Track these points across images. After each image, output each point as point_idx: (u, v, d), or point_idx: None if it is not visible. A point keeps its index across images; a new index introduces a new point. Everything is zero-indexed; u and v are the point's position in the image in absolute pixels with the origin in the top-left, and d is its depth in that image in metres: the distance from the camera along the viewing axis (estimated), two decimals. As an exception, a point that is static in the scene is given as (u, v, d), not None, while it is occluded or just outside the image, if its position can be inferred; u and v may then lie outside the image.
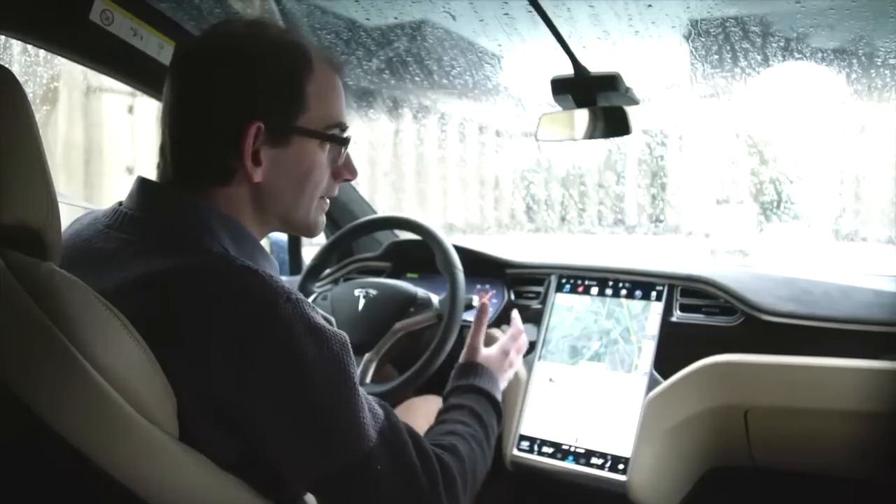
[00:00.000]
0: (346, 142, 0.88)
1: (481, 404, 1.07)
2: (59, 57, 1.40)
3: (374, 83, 2.10)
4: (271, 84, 0.81)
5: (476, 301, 1.50)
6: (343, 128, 0.88)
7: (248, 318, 0.71)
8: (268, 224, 0.88)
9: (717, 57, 1.59)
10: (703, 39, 1.50)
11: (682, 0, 1.34)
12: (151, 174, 0.86)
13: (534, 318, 1.56)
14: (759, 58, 1.57)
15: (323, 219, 0.92)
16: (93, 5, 1.20)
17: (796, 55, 1.55)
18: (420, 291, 1.40)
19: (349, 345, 0.78)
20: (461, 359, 1.19)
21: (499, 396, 1.13)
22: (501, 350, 1.22)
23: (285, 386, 0.72)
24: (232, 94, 0.81)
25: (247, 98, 0.81)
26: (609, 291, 1.51)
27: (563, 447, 1.40)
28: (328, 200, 0.92)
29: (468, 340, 1.21)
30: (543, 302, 1.57)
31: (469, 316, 1.57)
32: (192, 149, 0.83)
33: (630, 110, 1.16)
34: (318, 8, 1.58)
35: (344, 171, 0.91)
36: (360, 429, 0.76)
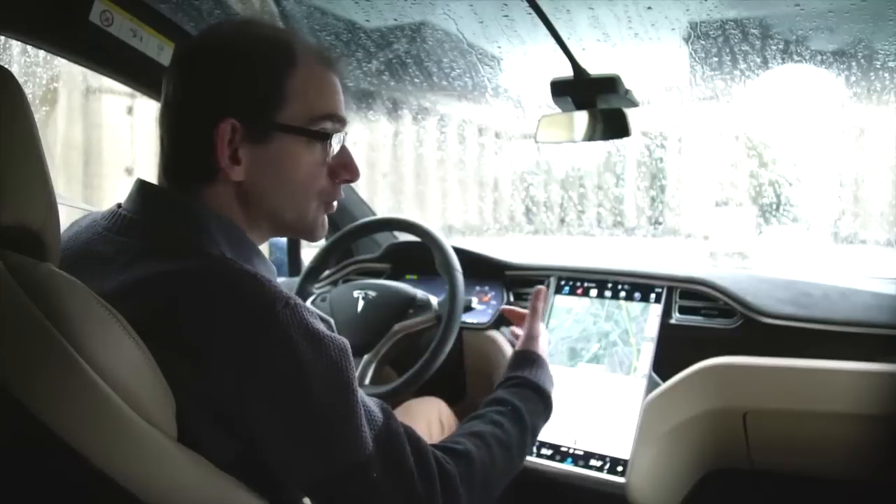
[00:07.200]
0: (326, 137, 0.84)
1: (531, 402, 1.02)
2: (58, 58, 1.40)
3: (374, 85, 2.09)
4: (246, 80, 0.80)
5: (475, 302, 1.50)
6: (336, 120, 0.84)
7: (245, 322, 0.71)
8: (259, 226, 0.86)
9: (716, 59, 1.59)
10: (702, 42, 1.50)
11: (682, 2, 1.34)
12: (151, 175, 0.86)
13: (533, 319, 1.56)
14: (758, 60, 1.58)
15: (323, 221, 0.89)
16: (92, 6, 1.20)
17: (795, 58, 1.55)
18: (419, 293, 1.40)
19: (349, 350, 0.77)
20: (518, 346, 1.15)
21: (552, 391, 1.08)
22: (544, 336, 1.18)
23: (282, 392, 0.72)
24: (205, 92, 0.80)
25: (219, 95, 0.80)
26: (608, 293, 1.51)
27: (562, 449, 1.39)
28: (334, 204, 0.89)
29: (527, 327, 1.17)
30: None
31: (468, 317, 1.57)
32: (176, 148, 0.83)
33: (629, 112, 1.16)
34: (317, 9, 1.58)
35: (341, 170, 0.87)
36: (356, 436, 0.75)
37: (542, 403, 1.05)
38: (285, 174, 0.83)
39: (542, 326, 1.20)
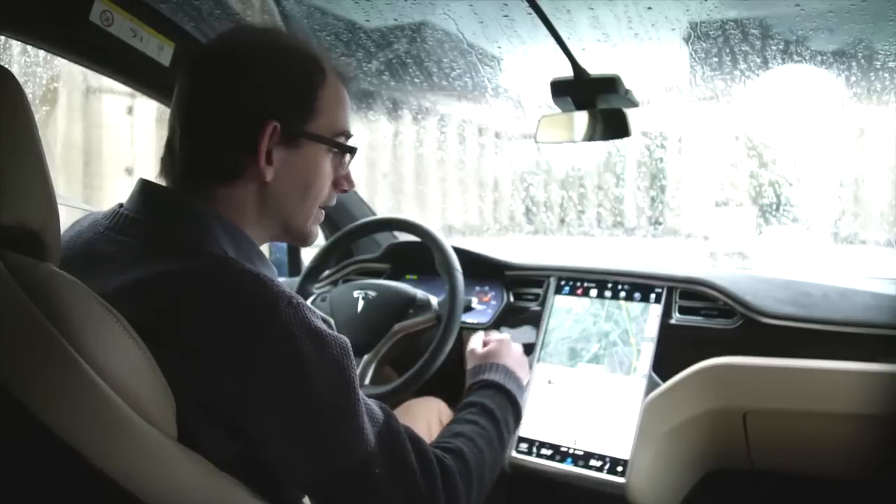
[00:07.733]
0: (353, 150, 0.91)
1: (495, 399, 1.09)
2: (58, 58, 1.40)
3: (374, 85, 2.10)
4: (287, 87, 0.84)
5: (475, 302, 1.50)
6: (348, 137, 0.91)
7: (248, 321, 0.71)
8: (268, 229, 0.89)
9: (716, 59, 1.59)
10: (702, 42, 1.50)
11: (682, 3, 1.34)
12: (150, 175, 0.87)
13: (533, 320, 1.56)
14: (758, 60, 1.58)
15: (317, 230, 0.95)
16: (93, 6, 1.20)
17: (796, 58, 1.55)
18: (419, 293, 1.40)
19: (350, 349, 0.78)
20: (468, 364, 1.22)
21: (515, 390, 1.16)
22: (500, 343, 1.26)
23: (284, 390, 0.72)
24: (251, 93, 0.82)
25: (264, 97, 0.82)
26: (608, 293, 1.51)
27: (562, 449, 1.39)
28: (324, 211, 0.94)
29: (467, 347, 1.27)
30: (542, 304, 1.57)
31: (468, 317, 1.57)
32: (203, 146, 0.84)
33: (630, 112, 1.16)
34: (317, 9, 1.58)
35: (343, 181, 0.93)
36: (358, 434, 0.76)
37: (505, 398, 1.12)
38: (306, 180, 0.87)
39: (504, 342, 1.28)
